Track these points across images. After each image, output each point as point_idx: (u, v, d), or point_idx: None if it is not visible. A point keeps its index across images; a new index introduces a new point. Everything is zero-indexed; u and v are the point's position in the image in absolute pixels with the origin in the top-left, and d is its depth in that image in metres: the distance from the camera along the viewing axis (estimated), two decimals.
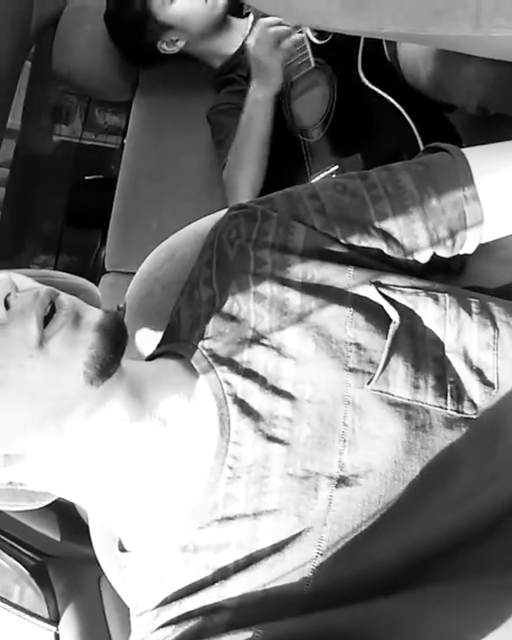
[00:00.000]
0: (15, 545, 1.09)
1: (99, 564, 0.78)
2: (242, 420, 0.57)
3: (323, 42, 1.26)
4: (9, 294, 0.53)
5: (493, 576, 0.55)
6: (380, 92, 1.19)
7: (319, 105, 1.28)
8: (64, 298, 0.54)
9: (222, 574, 0.55)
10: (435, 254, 0.65)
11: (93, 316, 0.54)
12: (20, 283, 0.55)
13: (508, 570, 0.56)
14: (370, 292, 0.61)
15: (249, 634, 0.51)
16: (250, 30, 1.36)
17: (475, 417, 0.57)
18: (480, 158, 0.66)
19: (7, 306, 0.52)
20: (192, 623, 0.53)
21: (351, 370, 0.58)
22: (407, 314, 0.60)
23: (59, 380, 0.52)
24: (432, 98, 1.15)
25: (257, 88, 1.32)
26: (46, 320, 0.52)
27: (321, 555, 0.54)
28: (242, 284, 0.62)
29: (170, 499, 0.58)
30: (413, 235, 0.64)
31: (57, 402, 0.53)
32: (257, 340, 0.60)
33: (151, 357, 0.66)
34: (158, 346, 0.69)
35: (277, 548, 0.55)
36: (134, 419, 0.56)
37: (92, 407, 0.54)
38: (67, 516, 1.11)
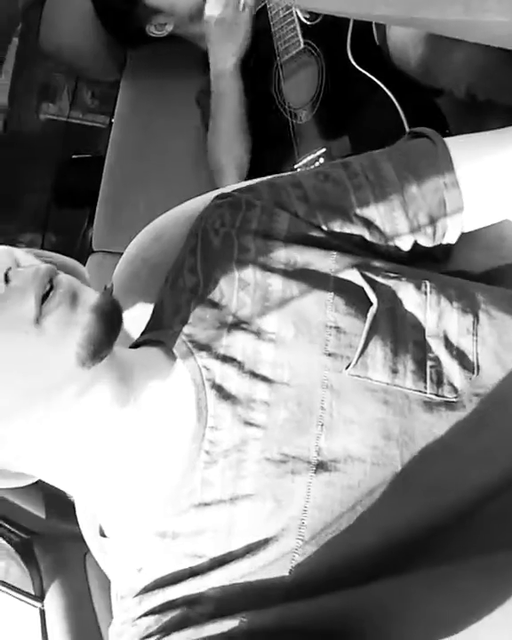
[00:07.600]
0: (1, 522, 1.10)
1: (84, 542, 0.79)
2: (219, 405, 0.57)
3: (313, 23, 1.25)
4: (9, 269, 0.53)
5: (478, 559, 0.55)
6: (368, 75, 1.18)
7: (308, 86, 1.27)
8: (62, 277, 0.54)
9: (204, 563, 0.55)
10: (417, 243, 0.65)
11: (90, 296, 0.54)
12: (21, 258, 0.55)
13: (492, 553, 0.56)
14: (352, 276, 0.61)
15: (233, 623, 0.52)
16: None
17: (455, 401, 0.57)
18: (461, 146, 0.66)
19: (7, 280, 0.52)
20: (175, 613, 0.53)
21: (330, 354, 0.58)
22: (388, 297, 0.60)
23: (51, 358, 0.52)
24: (421, 82, 1.15)
25: (221, 57, 1.25)
26: (44, 298, 0.52)
27: (302, 542, 0.54)
28: (226, 270, 0.62)
29: (147, 484, 0.58)
30: (394, 222, 0.64)
31: (47, 381, 0.53)
32: (237, 324, 0.60)
33: (136, 345, 0.66)
34: (142, 334, 0.69)
35: (258, 536, 0.55)
36: (119, 404, 0.56)
37: (81, 390, 0.54)
38: (52, 494, 1.11)
